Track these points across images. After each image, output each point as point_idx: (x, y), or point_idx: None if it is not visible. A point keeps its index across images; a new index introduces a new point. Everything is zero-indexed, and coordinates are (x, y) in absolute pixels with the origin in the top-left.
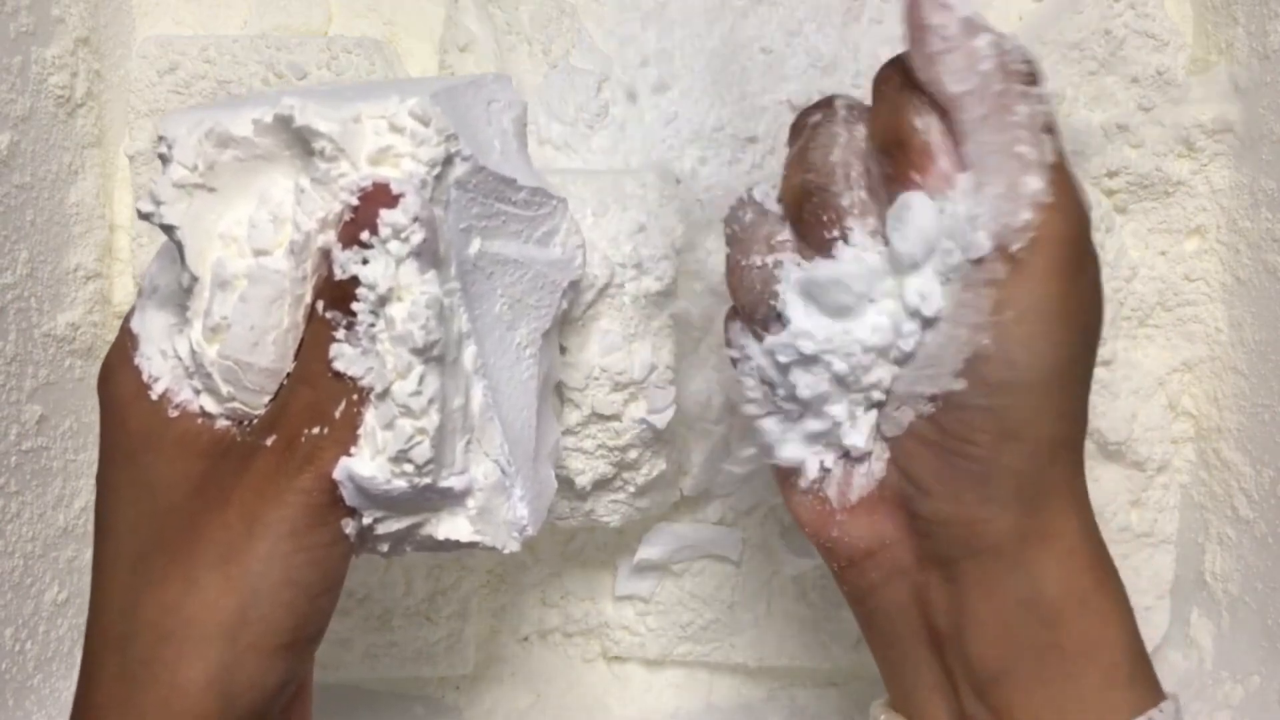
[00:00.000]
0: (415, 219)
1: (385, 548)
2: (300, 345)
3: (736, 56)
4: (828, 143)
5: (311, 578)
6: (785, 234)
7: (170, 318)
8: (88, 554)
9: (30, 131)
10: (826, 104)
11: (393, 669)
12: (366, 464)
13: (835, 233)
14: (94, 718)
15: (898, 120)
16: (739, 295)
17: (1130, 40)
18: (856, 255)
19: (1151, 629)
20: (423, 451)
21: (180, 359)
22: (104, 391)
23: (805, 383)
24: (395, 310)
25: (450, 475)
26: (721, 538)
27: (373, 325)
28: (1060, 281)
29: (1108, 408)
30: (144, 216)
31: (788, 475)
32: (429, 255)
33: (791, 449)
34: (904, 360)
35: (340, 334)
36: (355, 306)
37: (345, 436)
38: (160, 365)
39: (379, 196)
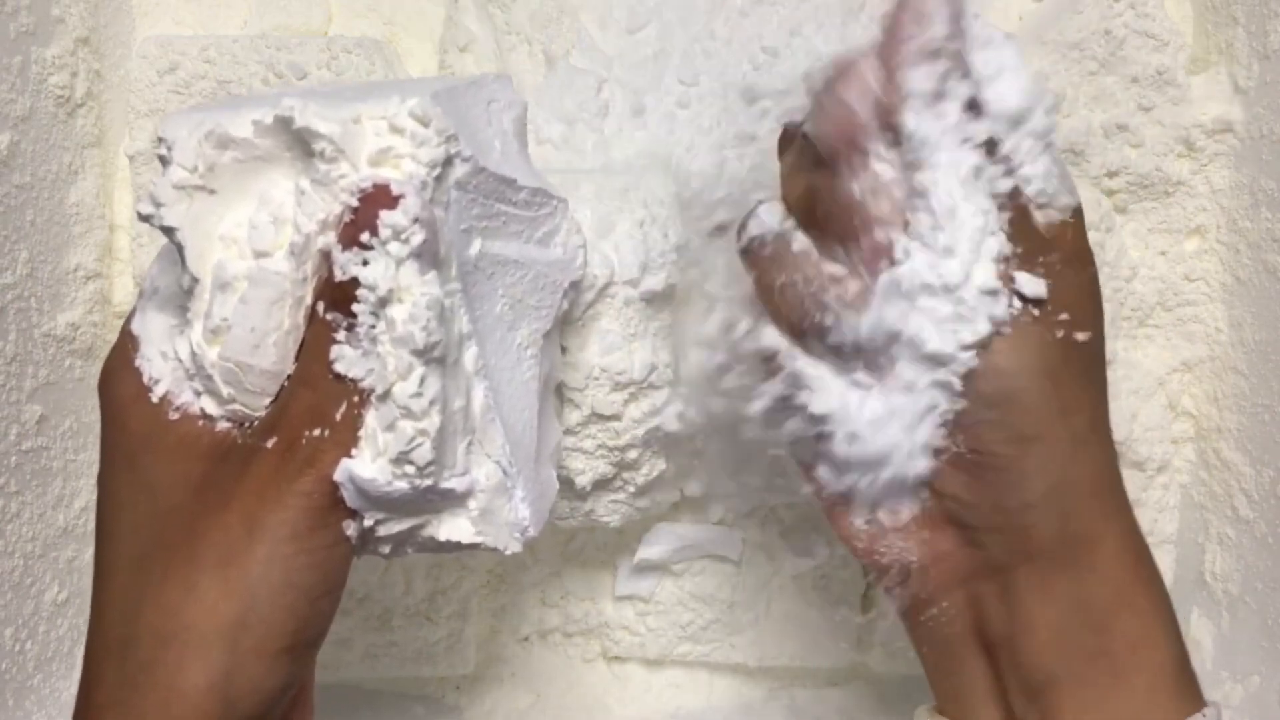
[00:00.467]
0: (415, 220)
1: (387, 549)
2: (301, 347)
3: (736, 56)
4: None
5: (312, 580)
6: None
7: (171, 319)
8: (88, 554)
9: (30, 131)
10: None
11: (393, 669)
12: (368, 466)
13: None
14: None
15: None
16: (785, 311)
17: (1130, 40)
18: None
19: None
20: (424, 453)
21: (181, 361)
22: (104, 394)
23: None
24: (396, 312)
25: (452, 477)
26: (721, 538)
27: (373, 327)
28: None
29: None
30: (144, 218)
31: (835, 501)
32: (429, 256)
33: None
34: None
35: (341, 335)
36: (356, 308)
37: (346, 438)
38: (161, 367)
39: (379, 198)
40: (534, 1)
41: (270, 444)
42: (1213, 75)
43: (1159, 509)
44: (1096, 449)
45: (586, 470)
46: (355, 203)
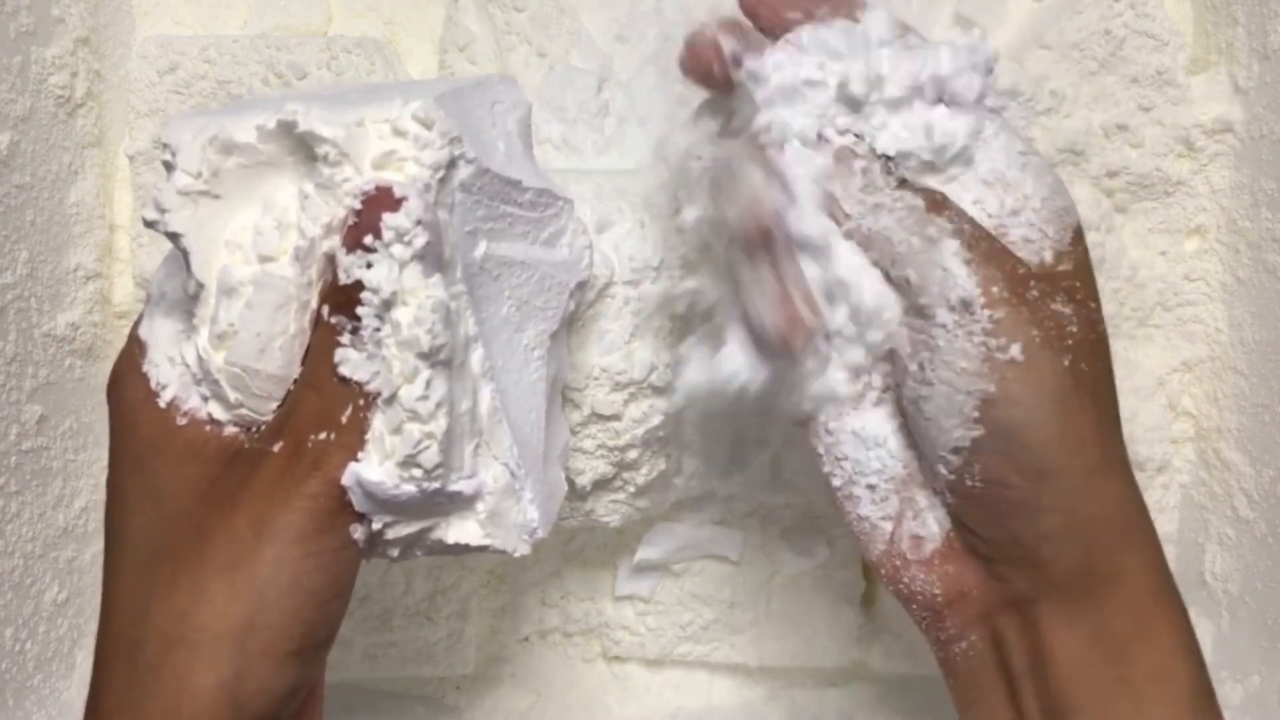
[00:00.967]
0: (418, 222)
1: (395, 552)
2: (307, 351)
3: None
4: None
5: (320, 583)
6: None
7: (178, 325)
8: (88, 554)
9: (30, 131)
10: None
11: (393, 669)
12: (375, 469)
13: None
14: None
15: None
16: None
17: (1130, 40)
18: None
19: None
20: (431, 456)
21: (188, 366)
22: (112, 399)
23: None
24: (401, 314)
25: (459, 479)
26: (721, 538)
27: (378, 330)
28: (1046, 315)
29: None
30: (149, 224)
31: (865, 533)
32: (433, 258)
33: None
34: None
35: (345, 339)
36: (360, 311)
37: (352, 441)
38: (168, 372)
39: (382, 200)
40: (534, 1)
41: (277, 448)
42: (1213, 75)
43: (1159, 509)
44: (1114, 481)
45: (586, 470)
46: (358, 205)
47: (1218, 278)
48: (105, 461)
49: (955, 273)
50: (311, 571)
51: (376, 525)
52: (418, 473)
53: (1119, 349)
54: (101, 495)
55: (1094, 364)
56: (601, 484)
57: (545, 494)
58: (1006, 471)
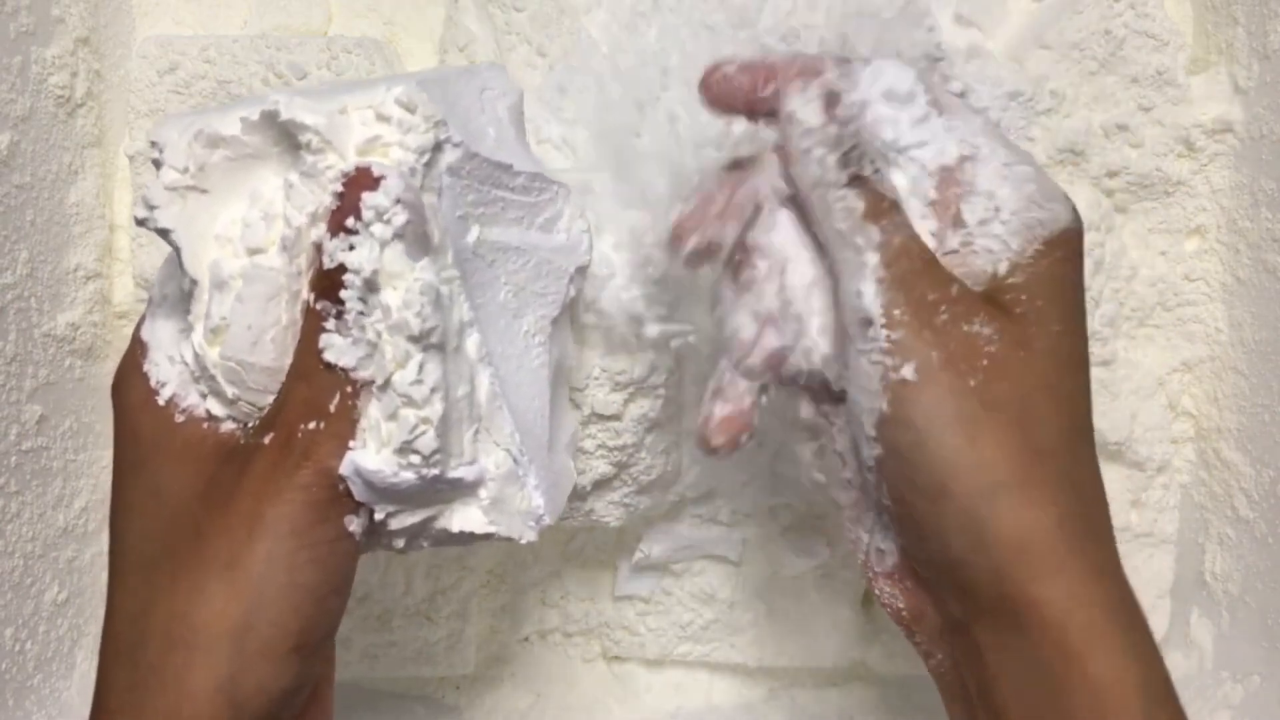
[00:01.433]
0: (397, 200)
1: (401, 543)
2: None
3: (735, 56)
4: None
5: (316, 578)
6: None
7: (177, 324)
8: (88, 554)
9: (30, 131)
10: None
11: (393, 669)
12: (372, 457)
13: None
14: None
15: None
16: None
17: (1130, 40)
18: None
19: (1151, 629)
20: (428, 441)
21: (186, 364)
22: (115, 400)
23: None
24: (390, 298)
25: (459, 465)
26: (721, 538)
27: (362, 313)
28: (954, 337)
29: (1108, 408)
30: (140, 222)
31: (851, 542)
32: (415, 238)
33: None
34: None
35: (330, 324)
36: (343, 294)
37: (343, 429)
38: (167, 371)
39: (361, 181)
40: (534, 1)
41: (268, 440)
42: (1213, 75)
43: (1159, 509)
44: (1032, 505)
45: (586, 470)
46: (340, 189)
47: (1218, 278)
48: (105, 461)
49: (864, 291)
50: (306, 565)
51: (379, 515)
52: (415, 459)
53: (1119, 349)
54: (101, 495)
55: (1021, 381)
56: (601, 484)
57: (551, 481)
58: (905, 491)
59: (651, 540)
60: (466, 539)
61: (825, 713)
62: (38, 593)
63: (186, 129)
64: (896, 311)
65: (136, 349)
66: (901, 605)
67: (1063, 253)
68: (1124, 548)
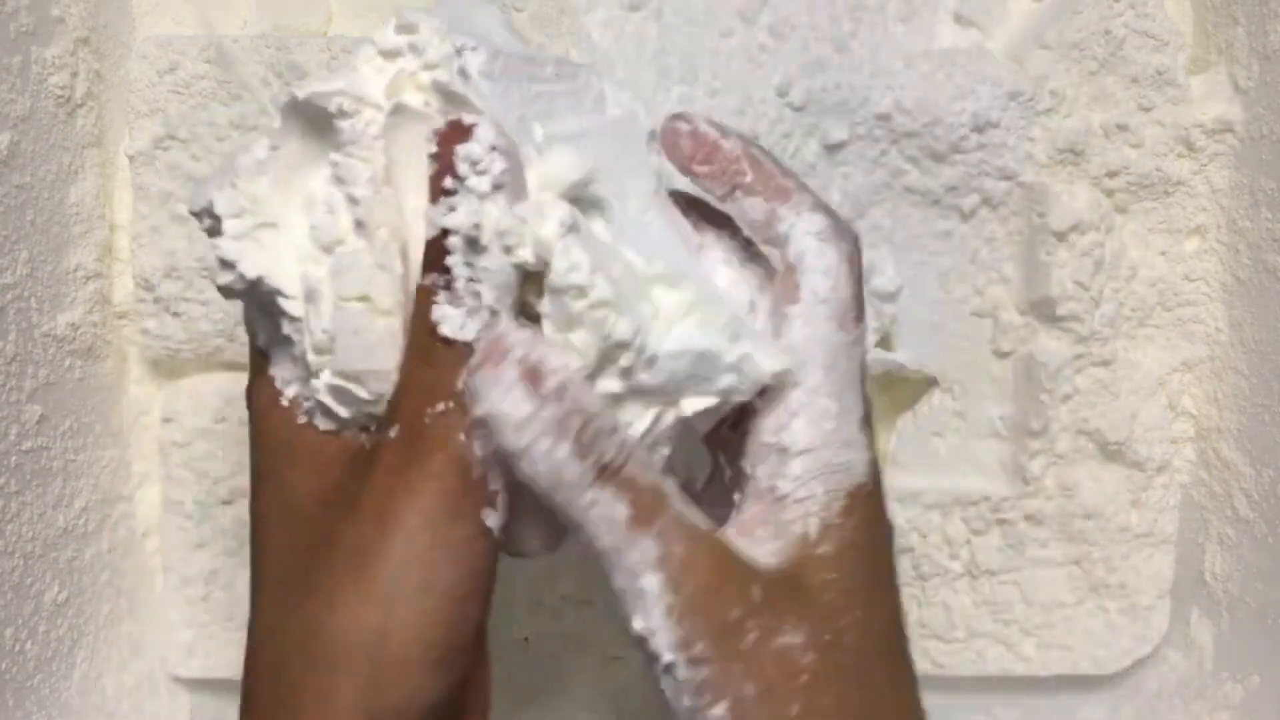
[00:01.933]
0: (492, 148)
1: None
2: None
3: (735, 56)
4: None
5: (453, 578)
6: None
7: (288, 365)
8: (88, 554)
9: (30, 131)
10: None
11: None
12: (610, 383)
13: None
14: None
15: None
16: None
17: (1130, 40)
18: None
19: (1151, 629)
20: (624, 327)
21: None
22: (249, 406)
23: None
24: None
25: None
26: None
27: (471, 279)
28: (767, 659)
29: (1108, 408)
30: (224, 289)
31: None
32: (514, 187)
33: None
34: None
35: (440, 296)
36: (449, 261)
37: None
38: (290, 371)
39: (452, 136)
40: (534, 1)
41: (393, 433)
42: (1213, 75)
43: (1159, 509)
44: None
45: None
46: (434, 150)
47: (1218, 278)
48: (106, 461)
49: (654, 627)
50: (442, 564)
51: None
52: (629, 357)
53: (1119, 349)
54: (101, 495)
55: (844, 691)
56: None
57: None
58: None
59: None
60: (707, 418)
61: None
62: (38, 593)
63: (223, 183)
64: (699, 646)
65: (257, 357)
66: None
67: (862, 513)
68: (1124, 548)
